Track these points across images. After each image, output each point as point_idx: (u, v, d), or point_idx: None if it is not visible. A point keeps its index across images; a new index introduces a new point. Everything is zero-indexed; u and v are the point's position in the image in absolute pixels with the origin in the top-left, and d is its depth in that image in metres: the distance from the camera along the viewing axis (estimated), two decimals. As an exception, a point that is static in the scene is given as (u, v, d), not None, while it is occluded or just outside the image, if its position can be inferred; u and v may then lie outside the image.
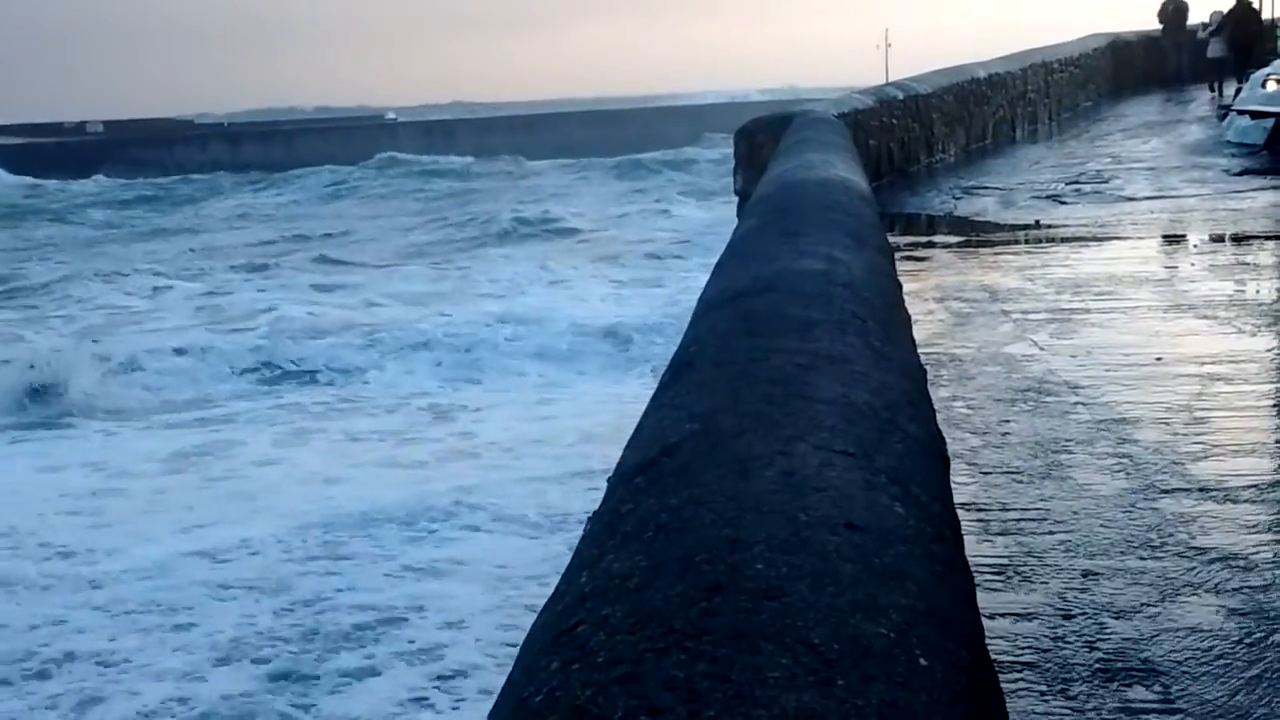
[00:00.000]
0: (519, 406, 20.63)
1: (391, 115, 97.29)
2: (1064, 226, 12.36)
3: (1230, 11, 25.54)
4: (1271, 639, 3.50)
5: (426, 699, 10.52)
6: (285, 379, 23.99)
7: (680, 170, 62.70)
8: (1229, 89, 22.99)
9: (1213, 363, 6.64)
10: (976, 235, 12.35)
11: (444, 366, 24.00)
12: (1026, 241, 11.76)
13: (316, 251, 42.84)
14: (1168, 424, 5.60)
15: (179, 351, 25.41)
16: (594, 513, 2.17)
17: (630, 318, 26.08)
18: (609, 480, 2.38)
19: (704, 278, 5.02)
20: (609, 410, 19.05)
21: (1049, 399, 6.15)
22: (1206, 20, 27.23)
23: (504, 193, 57.28)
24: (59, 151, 76.11)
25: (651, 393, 3.10)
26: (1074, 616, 3.74)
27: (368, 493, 16.19)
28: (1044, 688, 3.32)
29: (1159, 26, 29.94)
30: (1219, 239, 11.27)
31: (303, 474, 17.39)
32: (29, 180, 69.28)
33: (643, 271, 34.20)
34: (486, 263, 37.52)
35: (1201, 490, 4.74)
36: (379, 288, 33.65)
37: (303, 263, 40.21)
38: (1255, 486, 4.75)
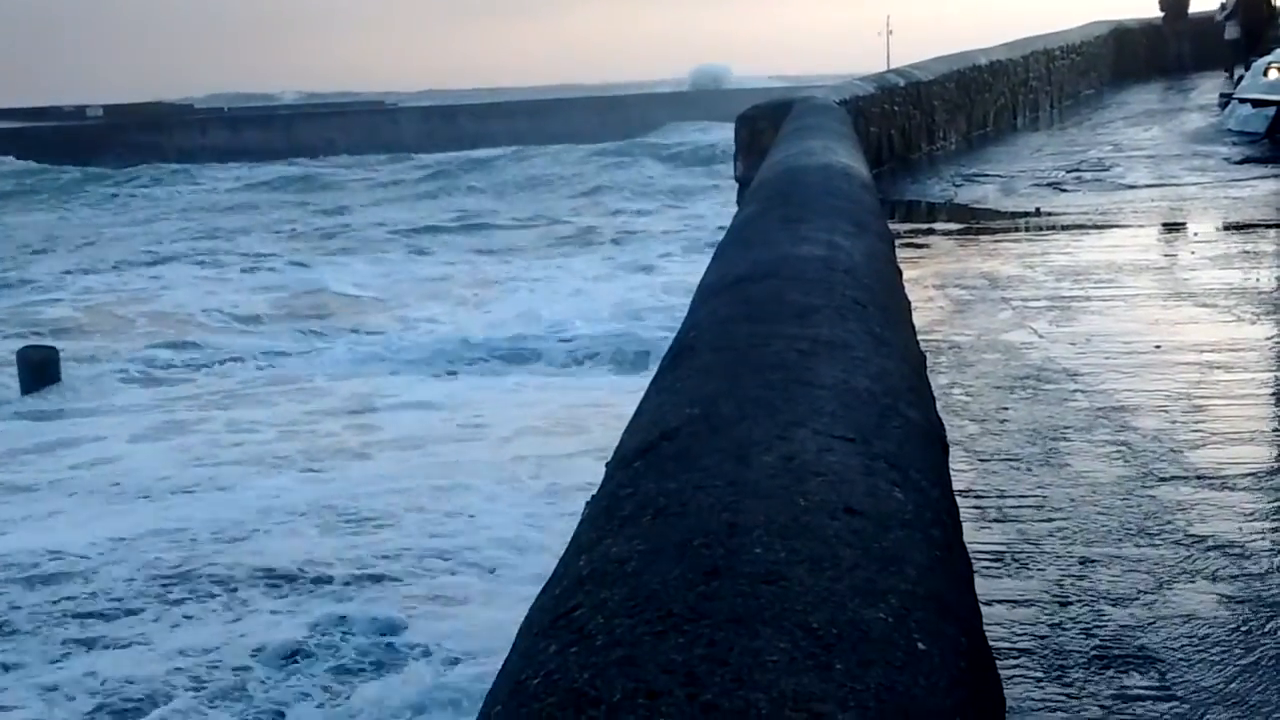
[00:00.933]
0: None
1: (393, 102, 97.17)
2: (1064, 214, 12.36)
3: None
4: (1268, 627, 3.50)
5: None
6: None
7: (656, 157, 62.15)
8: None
9: (1212, 351, 6.64)
10: (977, 222, 12.34)
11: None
12: (1027, 229, 11.76)
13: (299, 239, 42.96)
14: (1166, 412, 5.61)
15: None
16: (593, 496, 2.17)
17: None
18: (608, 464, 2.38)
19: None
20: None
21: (1048, 386, 6.16)
22: (1223, 2, 27.16)
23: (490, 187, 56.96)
24: (58, 135, 75.96)
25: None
26: (1071, 603, 3.74)
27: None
28: (1040, 674, 3.33)
29: (1160, 14, 29.89)
30: (1219, 227, 11.27)
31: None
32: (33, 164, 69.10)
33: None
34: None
35: (1199, 478, 4.74)
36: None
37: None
38: (1253, 474, 4.76)
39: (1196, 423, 5.43)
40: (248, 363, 23.89)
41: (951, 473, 2.79)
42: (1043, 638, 3.53)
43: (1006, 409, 5.81)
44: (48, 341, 24.71)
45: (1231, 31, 25.66)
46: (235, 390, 21.70)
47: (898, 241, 7.90)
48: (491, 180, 58.62)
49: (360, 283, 32.50)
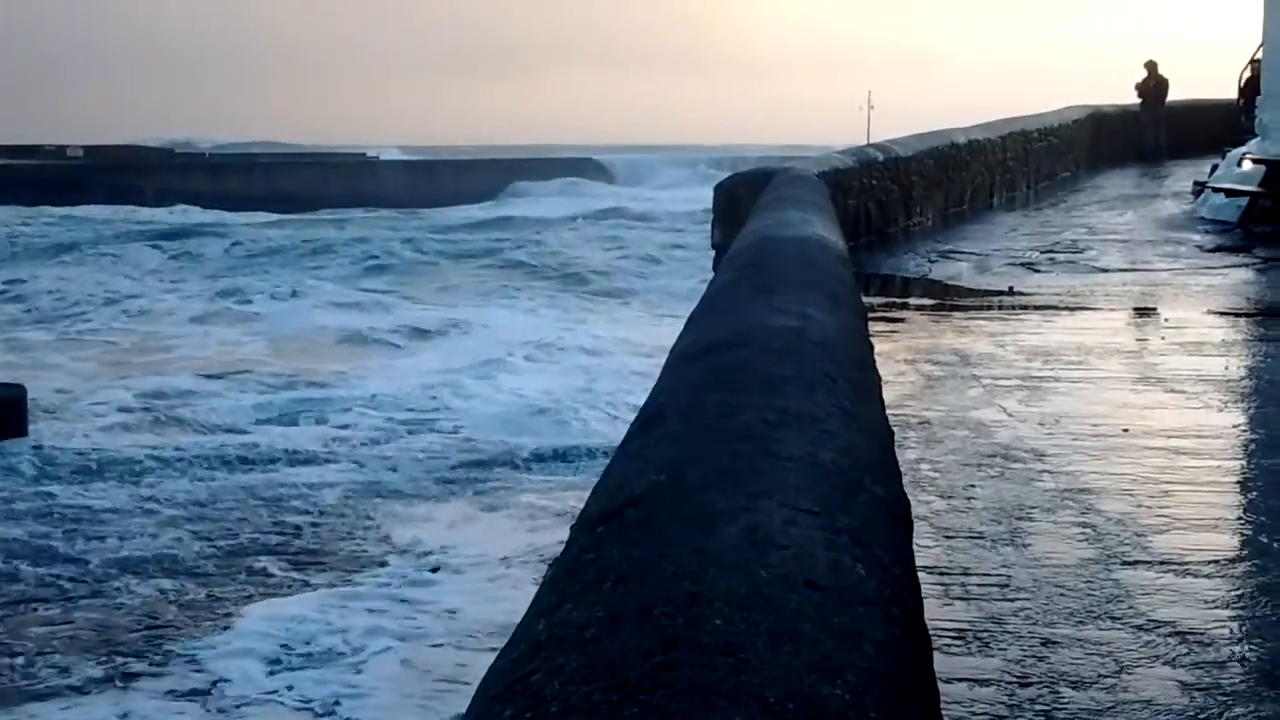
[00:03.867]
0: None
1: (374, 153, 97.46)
2: (1037, 294, 12.45)
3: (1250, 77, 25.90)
4: (1225, 715, 3.50)
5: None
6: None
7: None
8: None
9: (1179, 436, 6.68)
10: (950, 299, 12.42)
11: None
12: (999, 307, 11.84)
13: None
14: (1132, 495, 5.63)
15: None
16: (555, 560, 2.17)
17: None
18: (572, 528, 2.38)
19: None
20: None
21: (1015, 465, 6.18)
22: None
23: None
24: (38, 176, 75.75)
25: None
26: (1031, 684, 3.74)
27: None
28: (998, 755, 3.32)
29: (1138, 101, 30.22)
30: (1190, 314, 11.36)
31: None
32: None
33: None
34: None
35: (1162, 563, 4.76)
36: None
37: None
38: (1215, 562, 4.78)
39: (1161, 508, 5.45)
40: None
41: (916, 548, 2.79)
42: (1001, 718, 3.53)
43: (973, 486, 5.82)
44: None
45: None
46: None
47: (871, 315, 7.95)
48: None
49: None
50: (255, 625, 12.46)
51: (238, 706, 10.86)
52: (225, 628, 12.41)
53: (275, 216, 64.59)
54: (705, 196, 16.76)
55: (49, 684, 11.29)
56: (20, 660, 11.73)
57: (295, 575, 14.00)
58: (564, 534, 2.40)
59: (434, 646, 11.71)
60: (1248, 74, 25.96)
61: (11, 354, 28.58)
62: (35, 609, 13.12)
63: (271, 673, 11.47)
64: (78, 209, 63.88)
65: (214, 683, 11.21)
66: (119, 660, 11.73)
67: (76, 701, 10.95)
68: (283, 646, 11.93)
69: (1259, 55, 23.57)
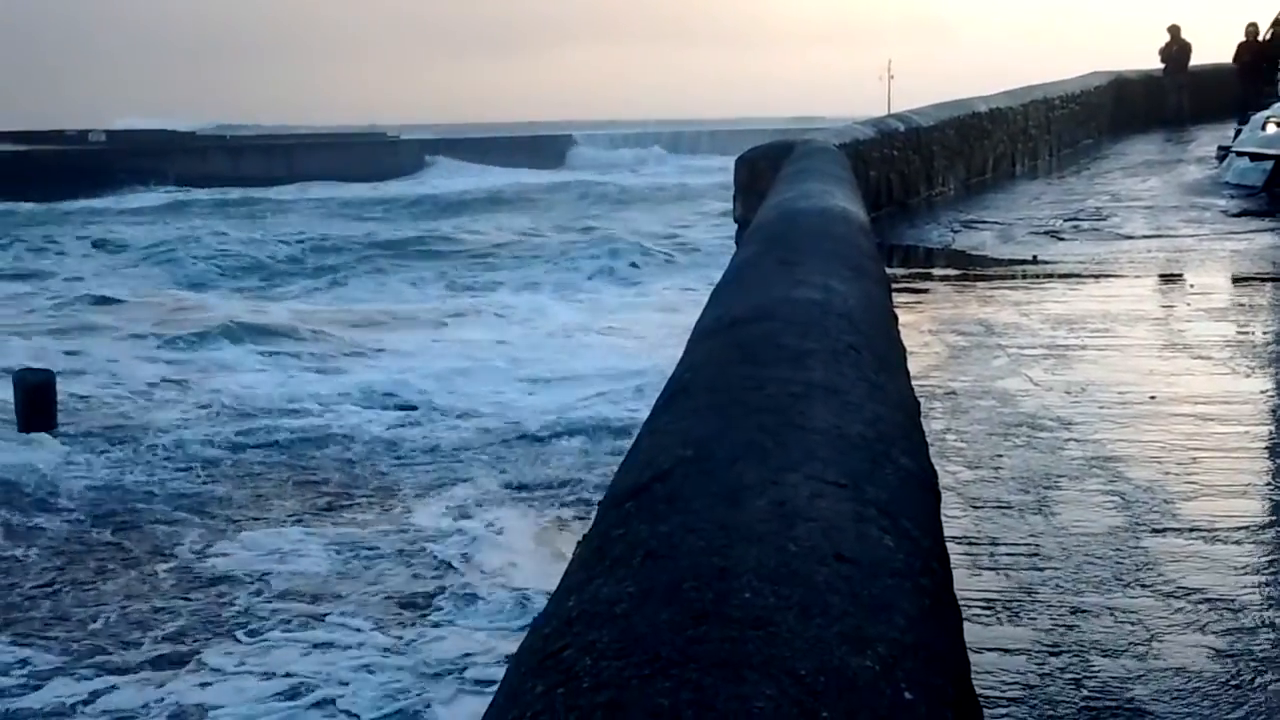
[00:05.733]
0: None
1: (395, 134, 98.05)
2: (1061, 263, 12.39)
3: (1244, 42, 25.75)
4: (1257, 682, 3.50)
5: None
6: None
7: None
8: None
9: (1206, 403, 6.65)
10: (974, 269, 12.37)
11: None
12: (1023, 276, 11.79)
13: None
14: (1160, 463, 5.61)
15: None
16: (584, 536, 2.17)
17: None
18: (600, 504, 2.38)
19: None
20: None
21: (1042, 434, 6.16)
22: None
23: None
24: (62, 163, 75.90)
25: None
26: (1061, 653, 3.74)
27: None
28: (1029, 724, 3.31)
29: (1161, 66, 29.97)
30: (1216, 279, 11.30)
31: None
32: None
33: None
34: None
35: (1191, 530, 4.74)
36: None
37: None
38: (1245, 528, 4.76)
39: (1190, 475, 5.43)
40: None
41: (944, 519, 2.79)
42: (1032, 687, 3.53)
43: (1000, 456, 5.81)
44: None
45: None
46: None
47: (895, 286, 7.92)
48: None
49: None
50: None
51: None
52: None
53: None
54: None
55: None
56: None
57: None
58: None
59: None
60: (1242, 39, 25.79)
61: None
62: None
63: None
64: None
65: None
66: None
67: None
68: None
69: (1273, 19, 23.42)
